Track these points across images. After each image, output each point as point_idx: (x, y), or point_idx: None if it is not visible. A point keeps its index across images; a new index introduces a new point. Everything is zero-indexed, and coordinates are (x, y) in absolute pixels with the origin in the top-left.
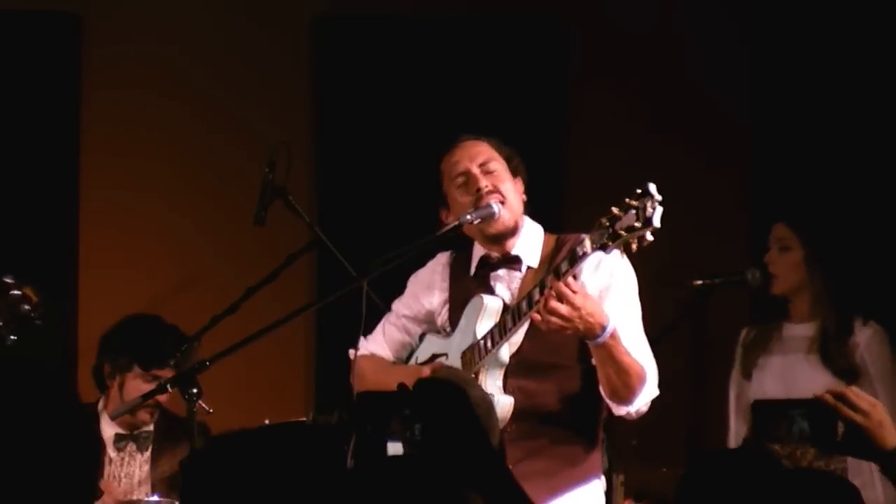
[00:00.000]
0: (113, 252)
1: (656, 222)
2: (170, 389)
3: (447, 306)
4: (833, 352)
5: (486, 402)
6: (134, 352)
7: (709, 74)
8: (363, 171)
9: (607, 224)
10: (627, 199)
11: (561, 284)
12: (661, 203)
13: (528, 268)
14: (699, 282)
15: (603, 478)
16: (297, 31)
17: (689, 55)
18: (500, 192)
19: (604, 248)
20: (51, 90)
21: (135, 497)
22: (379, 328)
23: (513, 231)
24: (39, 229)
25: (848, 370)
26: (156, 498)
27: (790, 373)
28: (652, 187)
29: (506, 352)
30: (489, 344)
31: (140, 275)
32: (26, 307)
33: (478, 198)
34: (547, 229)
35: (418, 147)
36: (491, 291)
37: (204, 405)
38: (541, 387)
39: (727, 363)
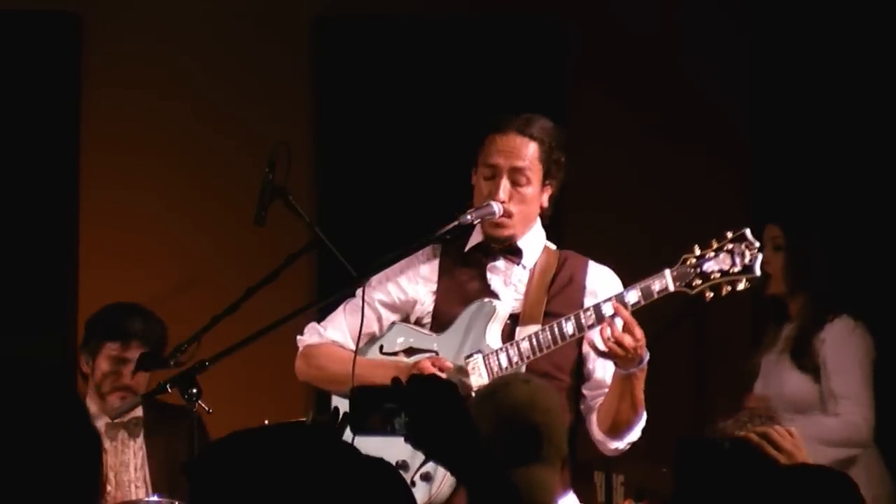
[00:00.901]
0: (113, 252)
1: (757, 270)
2: (169, 389)
3: (434, 298)
4: (799, 350)
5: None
6: (99, 331)
7: (708, 75)
8: (363, 171)
9: (694, 262)
10: (717, 241)
11: (631, 317)
12: (760, 250)
13: (525, 267)
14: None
15: (573, 493)
16: (297, 31)
17: (688, 55)
18: (514, 215)
19: (689, 287)
20: (51, 90)
21: (133, 496)
22: (339, 313)
23: (513, 239)
24: (39, 229)
25: (814, 369)
26: (156, 498)
27: (770, 372)
28: (748, 232)
29: (524, 366)
30: (514, 357)
31: (140, 275)
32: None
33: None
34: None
35: (418, 147)
36: (484, 281)
37: (204, 405)
38: None
39: (727, 363)
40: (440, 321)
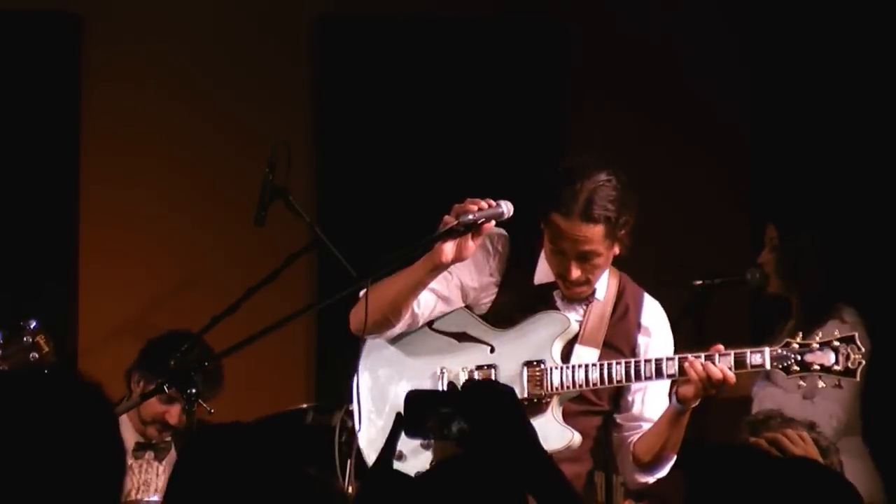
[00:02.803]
0: (113, 252)
1: (858, 377)
2: (167, 389)
3: (495, 291)
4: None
5: None
6: (163, 369)
7: (708, 75)
8: (363, 171)
9: (798, 349)
10: (827, 337)
11: (730, 374)
12: (865, 357)
13: (596, 300)
14: (699, 282)
15: None
16: (297, 31)
17: (688, 56)
18: (592, 282)
19: (786, 370)
20: (51, 90)
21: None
22: None
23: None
24: (39, 229)
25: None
26: (156, 498)
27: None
28: (857, 336)
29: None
30: (567, 381)
31: (140, 275)
32: (34, 355)
33: (563, 282)
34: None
35: (418, 147)
36: (552, 303)
37: (205, 405)
38: (577, 421)
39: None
40: (497, 319)
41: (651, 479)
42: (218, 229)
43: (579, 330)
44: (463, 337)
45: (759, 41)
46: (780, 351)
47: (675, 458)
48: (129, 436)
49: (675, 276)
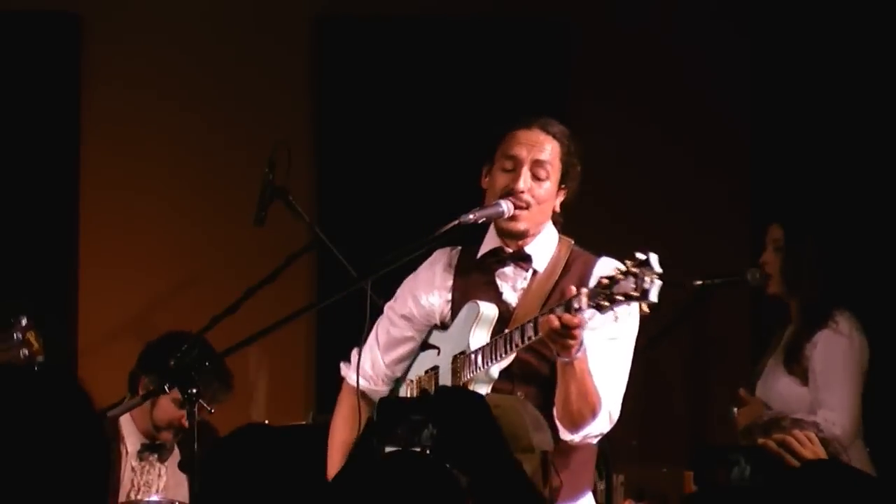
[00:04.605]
0: (113, 252)
1: (653, 297)
2: (167, 390)
3: (450, 305)
4: (791, 355)
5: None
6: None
7: (709, 76)
8: (363, 171)
9: (606, 284)
10: (628, 263)
11: (574, 319)
12: (660, 277)
13: (535, 272)
14: (699, 282)
15: (591, 494)
16: (297, 31)
17: (689, 57)
18: (531, 207)
19: (599, 308)
20: (51, 90)
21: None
22: (372, 338)
23: (526, 235)
24: (39, 229)
25: (802, 373)
26: (156, 498)
27: (769, 377)
28: (653, 258)
29: (496, 369)
30: (480, 362)
31: (140, 275)
32: (24, 352)
33: (508, 193)
34: (562, 232)
35: (418, 147)
36: (494, 288)
37: (205, 405)
38: (531, 396)
39: (727, 363)
40: (452, 320)
41: (577, 438)
42: (218, 229)
43: (513, 310)
44: (424, 346)
45: (759, 41)
46: (593, 290)
47: (597, 418)
48: (134, 438)
49: (675, 276)
